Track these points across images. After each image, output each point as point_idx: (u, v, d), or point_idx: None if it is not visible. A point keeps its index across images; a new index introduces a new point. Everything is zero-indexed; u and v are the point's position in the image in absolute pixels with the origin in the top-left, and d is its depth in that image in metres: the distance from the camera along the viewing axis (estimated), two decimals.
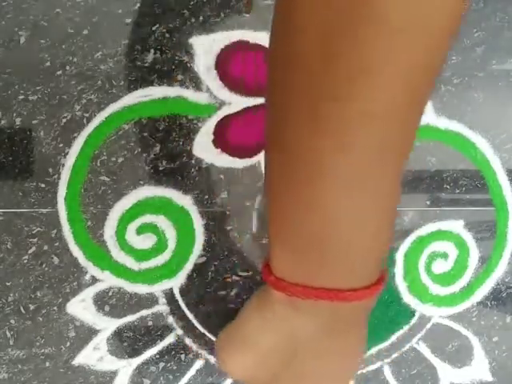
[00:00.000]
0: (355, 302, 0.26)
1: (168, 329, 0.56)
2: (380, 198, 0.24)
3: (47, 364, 0.55)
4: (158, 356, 0.56)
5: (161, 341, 0.56)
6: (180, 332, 0.56)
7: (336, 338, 0.28)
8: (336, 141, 0.21)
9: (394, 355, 0.58)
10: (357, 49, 0.19)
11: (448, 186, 0.57)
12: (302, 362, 0.28)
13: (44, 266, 0.55)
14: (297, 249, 0.25)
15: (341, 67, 0.20)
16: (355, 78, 0.20)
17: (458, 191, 0.57)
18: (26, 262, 0.54)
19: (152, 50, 0.54)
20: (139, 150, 0.54)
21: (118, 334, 0.56)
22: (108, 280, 0.55)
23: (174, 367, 0.56)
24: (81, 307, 0.55)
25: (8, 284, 0.55)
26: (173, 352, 0.56)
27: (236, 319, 0.32)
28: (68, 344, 0.55)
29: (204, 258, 0.56)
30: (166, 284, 0.55)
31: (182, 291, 0.56)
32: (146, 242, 0.55)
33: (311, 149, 0.22)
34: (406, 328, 0.58)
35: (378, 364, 0.58)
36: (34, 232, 0.54)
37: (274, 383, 0.30)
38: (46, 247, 0.54)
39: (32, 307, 0.55)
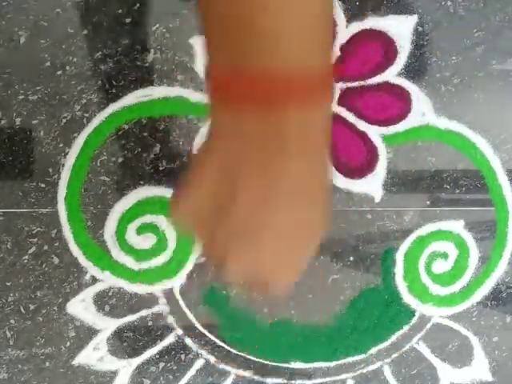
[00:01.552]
0: (295, 114, 0.23)
1: (168, 329, 0.56)
2: None
3: (47, 364, 0.55)
4: (158, 356, 0.56)
5: (161, 341, 0.56)
6: (180, 332, 0.56)
7: (281, 167, 0.25)
8: None
9: (394, 355, 0.58)
10: None
11: (448, 186, 0.57)
12: (248, 204, 0.25)
13: (44, 265, 0.55)
14: (229, 33, 0.23)
15: None
16: None
17: (457, 191, 0.57)
18: (25, 262, 0.54)
19: (152, 50, 0.54)
20: (139, 149, 0.54)
21: (118, 334, 0.56)
22: (108, 280, 0.55)
23: (174, 367, 0.56)
24: (81, 307, 0.55)
25: (8, 284, 0.55)
26: (173, 352, 0.56)
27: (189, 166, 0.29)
28: (68, 344, 0.55)
29: (204, 258, 0.56)
30: (165, 284, 0.56)
31: (182, 291, 0.56)
32: (146, 241, 0.55)
33: None
34: (405, 328, 0.58)
35: (378, 364, 0.58)
36: (34, 232, 0.54)
37: (223, 227, 0.26)
38: (46, 247, 0.54)
39: (32, 307, 0.55)
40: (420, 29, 0.55)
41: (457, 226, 0.57)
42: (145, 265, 0.55)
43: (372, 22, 0.55)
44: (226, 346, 0.57)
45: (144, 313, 0.56)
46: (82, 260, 0.55)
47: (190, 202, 0.27)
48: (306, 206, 0.27)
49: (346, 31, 0.54)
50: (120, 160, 0.54)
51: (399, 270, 0.57)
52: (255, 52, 0.23)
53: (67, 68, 0.53)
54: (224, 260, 0.28)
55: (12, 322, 0.55)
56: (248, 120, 0.24)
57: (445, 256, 0.58)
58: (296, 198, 0.26)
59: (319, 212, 0.28)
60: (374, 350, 0.58)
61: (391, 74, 0.55)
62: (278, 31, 0.22)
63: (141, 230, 0.55)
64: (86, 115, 0.54)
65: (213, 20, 0.24)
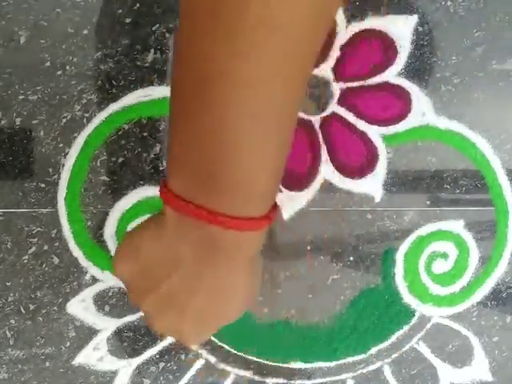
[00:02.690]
0: (233, 231, 0.27)
1: None
2: (280, 120, 0.24)
3: (47, 364, 0.55)
4: (158, 356, 0.56)
5: (161, 341, 0.56)
6: None
7: (210, 268, 0.29)
8: (233, 46, 0.22)
9: (394, 355, 0.58)
10: None
11: (448, 186, 0.57)
12: (179, 284, 0.30)
13: (44, 265, 0.55)
14: (190, 171, 0.26)
15: None
16: None
17: (458, 191, 0.57)
18: (26, 262, 0.54)
19: (152, 50, 0.54)
20: (139, 149, 0.54)
21: (118, 334, 0.56)
22: (108, 280, 0.55)
23: (174, 367, 0.56)
24: (81, 307, 0.55)
25: (8, 284, 0.55)
26: (173, 352, 0.56)
27: (137, 227, 0.34)
28: (68, 344, 0.55)
29: None
30: None
31: None
32: None
33: (210, 54, 0.22)
34: (406, 328, 0.58)
35: (378, 364, 0.58)
36: (33, 232, 0.54)
37: (154, 295, 0.31)
38: (46, 247, 0.54)
39: (32, 307, 0.55)
40: (420, 29, 0.55)
41: (457, 226, 0.57)
42: None
43: (372, 22, 0.55)
44: (226, 346, 0.57)
45: None
46: (82, 260, 0.55)
47: (123, 264, 0.32)
48: (222, 304, 0.31)
49: (345, 31, 0.54)
50: (120, 160, 0.54)
51: (399, 270, 0.57)
52: (210, 193, 0.26)
53: (67, 68, 0.53)
54: (149, 320, 0.33)
55: (12, 321, 0.55)
56: (189, 225, 0.27)
57: (445, 256, 0.58)
58: (213, 297, 0.30)
59: (233, 311, 0.33)
60: (373, 350, 0.58)
61: (391, 74, 0.55)
62: (243, 186, 0.26)
63: None
64: (86, 115, 0.54)
65: (177, 149, 0.27)
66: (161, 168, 0.55)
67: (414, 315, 0.58)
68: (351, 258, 0.57)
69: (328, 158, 0.56)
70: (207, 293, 0.30)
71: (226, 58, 0.22)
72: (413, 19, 0.55)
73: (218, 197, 0.26)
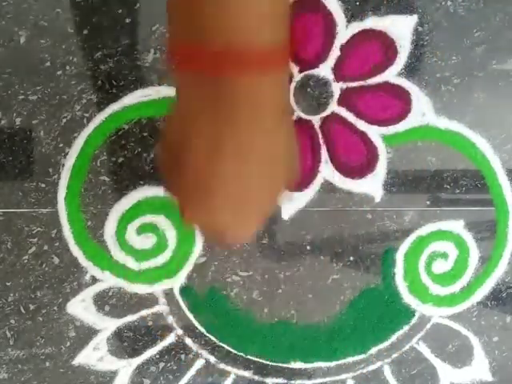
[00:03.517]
0: (247, 78, 0.25)
1: (168, 329, 0.56)
2: None
3: (47, 364, 0.55)
4: (158, 356, 0.56)
5: (161, 341, 0.56)
6: (180, 332, 0.56)
7: (230, 128, 0.26)
8: None
9: (394, 355, 0.58)
10: None
11: (448, 186, 0.57)
12: (203, 157, 0.27)
13: (44, 265, 0.55)
14: (190, 6, 0.25)
15: None
16: None
17: (458, 191, 0.57)
18: (26, 262, 0.54)
19: (152, 50, 0.54)
20: (139, 149, 0.54)
21: (118, 334, 0.56)
22: (108, 280, 0.55)
23: (174, 367, 0.56)
24: (81, 307, 0.55)
25: (8, 284, 0.55)
26: (173, 352, 0.56)
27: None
28: (68, 344, 0.55)
29: (204, 258, 0.56)
30: (166, 284, 0.56)
31: (182, 291, 0.56)
32: (145, 241, 0.55)
33: None
34: (405, 328, 0.58)
35: (378, 364, 0.58)
36: (33, 232, 0.54)
37: (183, 177, 0.28)
38: (46, 247, 0.54)
39: (32, 307, 0.55)
40: (420, 29, 0.55)
41: (457, 226, 0.57)
42: (145, 265, 0.55)
43: (372, 22, 0.55)
44: (226, 346, 0.57)
45: (144, 313, 0.56)
46: (82, 260, 0.55)
47: (158, 153, 0.30)
48: (255, 174, 0.28)
49: (345, 31, 0.54)
50: (120, 160, 0.54)
51: (399, 270, 0.57)
52: (212, 28, 0.25)
53: (67, 68, 0.53)
54: (183, 209, 0.30)
55: (12, 321, 0.55)
56: (202, 84, 0.26)
57: (445, 256, 0.58)
58: (243, 164, 0.27)
59: (271, 181, 0.29)
60: (373, 350, 0.58)
61: (391, 74, 0.55)
62: (238, 7, 0.24)
63: (141, 229, 0.55)
64: (86, 115, 0.54)
65: None
66: None
67: (413, 315, 0.58)
68: (351, 258, 0.57)
69: (328, 158, 0.56)
70: (234, 160, 0.27)
71: None
72: (413, 19, 0.55)
73: (222, 26, 0.24)
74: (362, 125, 0.56)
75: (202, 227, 0.31)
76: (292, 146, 0.30)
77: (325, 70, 0.55)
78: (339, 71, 0.55)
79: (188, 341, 0.56)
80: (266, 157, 0.28)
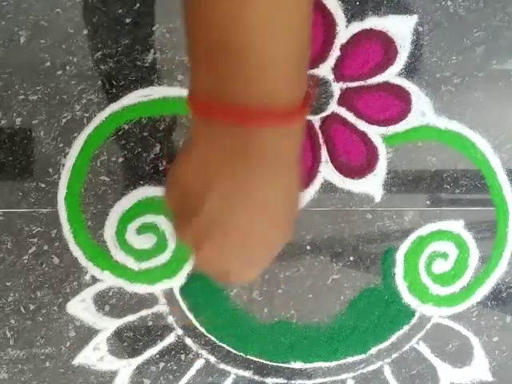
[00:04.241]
0: (264, 131, 0.26)
1: (168, 329, 0.56)
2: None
3: (47, 364, 0.55)
4: (158, 356, 0.56)
5: (161, 341, 0.56)
6: (180, 332, 0.56)
7: (244, 178, 0.27)
8: None
9: (394, 355, 0.58)
10: None
11: (448, 186, 0.57)
12: (216, 204, 0.28)
13: (44, 265, 0.55)
14: (212, 61, 0.25)
15: None
16: None
17: (458, 191, 0.57)
18: (26, 262, 0.54)
19: (152, 50, 0.54)
20: (139, 149, 0.54)
21: (118, 334, 0.56)
22: (108, 280, 0.55)
23: (174, 367, 0.56)
24: (81, 307, 0.55)
25: (8, 284, 0.55)
26: (173, 352, 0.56)
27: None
28: (68, 344, 0.55)
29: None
30: (166, 284, 0.56)
31: (182, 291, 0.56)
32: (146, 241, 0.55)
33: None
34: (405, 328, 0.58)
35: (378, 364, 0.58)
36: (34, 232, 0.54)
37: (195, 222, 0.29)
38: (46, 247, 0.54)
39: (32, 307, 0.55)
40: (420, 29, 0.55)
41: (457, 226, 0.57)
42: (145, 265, 0.55)
43: (372, 22, 0.55)
44: (226, 346, 0.57)
45: (144, 313, 0.56)
46: (82, 260, 0.55)
47: (168, 196, 0.31)
48: (266, 223, 0.29)
49: (346, 31, 0.54)
50: (120, 160, 0.54)
51: (399, 270, 0.57)
52: (237, 86, 0.25)
53: (67, 68, 0.53)
54: (194, 251, 0.31)
55: (12, 321, 0.55)
56: (220, 134, 0.26)
57: (445, 256, 0.58)
58: (255, 214, 0.28)
59: (278, 230, 0.30)
60: (373, 350, 0.58)
61: (391, 74, 0.55)
62: (262, 67, 0.25)
63: (141, 229, 0.55)
64: (86, 115, 0.54)
65: (199, 44, 0.26)
66: (161, 168, 0.55)
67: (413, 315, 0.58)
68: (351, 258, 0.57)
69: (328, 158, 0.56)
70: (246, 209, 0.28)
71: None
72: (413, 19, 0.55)
73: (246, 88, 0.25)
74: (361, 125, 0.56)
75: (209, 268, 0.32)
76: (297, 193, 0.31)
77: (325, 70, 0.55)
78: (339, 71, 0.55)
79: (188, 341, 0.56)
80: (281, 208, 0.29)
